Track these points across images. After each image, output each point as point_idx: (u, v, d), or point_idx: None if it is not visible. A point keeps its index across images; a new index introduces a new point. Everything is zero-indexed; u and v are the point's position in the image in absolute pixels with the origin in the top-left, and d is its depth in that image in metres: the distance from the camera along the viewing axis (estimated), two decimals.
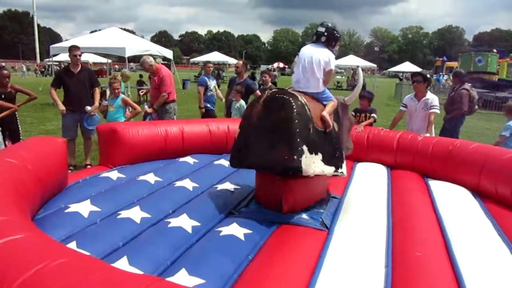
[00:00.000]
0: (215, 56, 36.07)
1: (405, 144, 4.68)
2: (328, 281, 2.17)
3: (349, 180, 4.14)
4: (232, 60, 35.66)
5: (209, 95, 6.85)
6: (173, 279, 2.09)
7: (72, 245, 2.35)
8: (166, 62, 18.42)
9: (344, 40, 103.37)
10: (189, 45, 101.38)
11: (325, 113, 3.15)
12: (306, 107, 2.97)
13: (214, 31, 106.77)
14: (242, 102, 6.11)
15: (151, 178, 3.72)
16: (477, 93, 6.42)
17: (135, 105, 5.56)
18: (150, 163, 4.31)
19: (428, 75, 5.90)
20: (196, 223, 2.81)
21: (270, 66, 51.62)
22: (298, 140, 2.84)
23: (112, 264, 2.03)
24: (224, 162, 4.44)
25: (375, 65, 33.33)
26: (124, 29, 24.47)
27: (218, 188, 3.63)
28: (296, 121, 2.85)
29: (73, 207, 2.87)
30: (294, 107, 2.88)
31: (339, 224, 2.99)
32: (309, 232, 2.85)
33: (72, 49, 5.41)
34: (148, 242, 2.50)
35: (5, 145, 4.89)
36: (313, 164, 2.93)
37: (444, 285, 2.18)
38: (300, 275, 2.25)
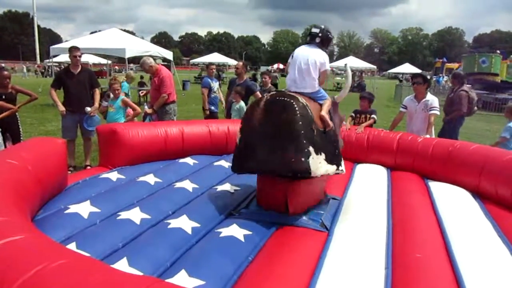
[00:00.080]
0: (215, 57, 36.07)
1: (405, 145, 4.68)
2: (328, 282, 2.17)
3: (349, 181, 4.14)
4: (232, 61, 35.68)
5: (212, 97, 6.86)
6: (173, 280, 2.09)
7: (72, 246, 2.35)
8: (166, 63, 18.43)
9: (344, 42, 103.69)
10: (189, 46, 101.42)
11: (324, 112, 3.16)
12: (308, 108, 2.97)
13: (214, 32, 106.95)
14: (242, 103, 6.11)
15: (151, 179, 3.72)
16: (476, 95, 6.43)
17: (135, 106, 5.56)
18: (150, 164, 4.31)
19: (428, 77, 5.90)
20: (196, 224, 2.81)
21: (270, 67, 51.65)
22: (304, 141, 2.83)
23: (112, 265, 2.02)
24: (224, 163, 4.44)
25: (375, 67, 33.26)
26: (124, 30, 24.53)
27: (218, 189, 3.62)
28: (300, 122, 2.84)
29: (73, 208, 2.87)
30: (297, 108, 2.87)
31: (339, 225, 2.99)
32: (309, 233, 2.84)
33: (72, 50, 5.41)
34: (148, 243, 2.49)
35: (5, 147, 4.89)
36: (319, 164, 2.93)
37: (444, 286, 2.18)
38: (300, 276, 2.25)
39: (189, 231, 2.72)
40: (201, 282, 2.10)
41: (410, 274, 2.26)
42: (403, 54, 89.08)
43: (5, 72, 5.16)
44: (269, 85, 7.11)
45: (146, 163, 4.31)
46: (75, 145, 5.60)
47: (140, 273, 2.12)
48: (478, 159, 3.86)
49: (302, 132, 2.83)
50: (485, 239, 2.78)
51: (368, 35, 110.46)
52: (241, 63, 6.83)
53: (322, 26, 3.37)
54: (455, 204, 3.48)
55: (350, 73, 3.92)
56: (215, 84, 6.94)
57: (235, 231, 2.71)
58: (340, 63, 31.35)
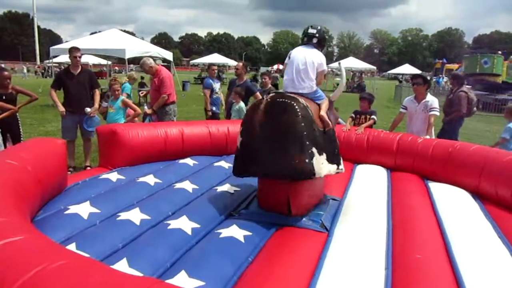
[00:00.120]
0: (215, 58, 36.06)
1: (405, 146, 4.68)
2: (328, 283, 2.17)
3: (349, 182, 4.14)
4: (232, 62, 35.69)
5: (214, 97, 6.85)
6: (172, 281, 2.09)
7: (72, 246, 2.34)
8: (166, 63, 18.43)
9: (344, 42, 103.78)
10: (189, 47, 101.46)
11: (323, 112, 3.16)
12: (308, 109, 2.97)
13: (214, 33, 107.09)
14: (242, 104, 6.11)
15: (150, 179, 3.72)
16: (475, 95, 6.43)
17: (135, 106, 5.56)
18: (149, 164, 4.30)
19: (428, 77, 5.90)
20: (196, 225, 2.81)
21: (270, 68, 51.66)
22: (307, 143, 2.83)
23: (112, 266, 2.02)
24: (224, 164, 4.44)
25: (374, 67, 33.26)
26: (124, 31, 24.50)
27: (218, 190, 3.62)
28: (302, 124, 2.84)
29: (73, 209, 2.86)
30: (298, 110, 2.87)
31: (339, 226, 2.99)
32: (309, 234, 2.84)
33: (72, 51, 5.42)
34: (148, 244, 2.49)
35: (5, 147, 4.88)
36: (322, 165, 2.93)
37: (444, 287, 2.17)
38: (300, 277, 2.25)
39: (189, 232, 2.71)
40: (201, 283, 2.09)
41: (410, 275, 2.26)
42: (403, 55, 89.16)
43: (6, 73, 5.15)
44: (269, 85, 7.11)
45: (146, 164, 4.30)
46: (75, 146, 5.60)
47: (140, 274, 2.12)
48: (478, 160, 3.86)
49: (305, 133, 2.83)
50: (485, 240, 2.77)
51: (368, 36, 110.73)
52: (241, 64, 6.82)
53: (319, 27, 3.38)
54: (455, 205, 3.48)
55: (344, 72, 3.94)
56: (216, 85, 6.94)
57: (235, 231, 2.71)
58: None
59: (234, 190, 3.61)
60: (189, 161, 4.46)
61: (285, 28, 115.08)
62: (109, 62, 28.67)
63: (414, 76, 5.68)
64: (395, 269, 2.35)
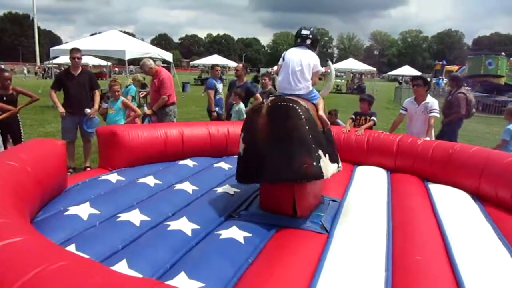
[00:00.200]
0: (215, 59, 36.07)
1: (405, 147, 4.68)
2: (328, 285, 2.17)
3: (349, 183, 4.13)
4: (232, 63, 35.71)
5: (217, 98, 6.83)
6: (172, 282, 2.08)
7: (71, 248, 2.34)
8: (166, 65, 18.46)
9: (344, 44, 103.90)
10: (189, 48, 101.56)
11: (321, 112, 3.17)
12: (310, 111, 2.97)
13: (214, 34, 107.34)
14: (242, 105, 6.12)
15: (150, 181, 3.71)
16: (474, 97, 6.43)
17: (135, 107, 5.57)
18: (149, 165, 4.30)
19: (428, 79, 5.90)
20: (196, 226, 2.81)
21: (270, 69, 51.69)
22: (314, 146, 2.82)
23: (112, 267, 2.01)
24: (224, 165, 4.44)
25: (374, 69, 33.24)
26: (124, 32, 24.49)
27: (218, 191, 3.61)
28: (307, 127, 2.83)
29: (73, 210, 2.86)
30: (301, 113, 2.85)
31: (339, 227, 2.98)
32: (309, 235, 2.84)
33: (73, 52, 5.42)
34: (148, 245, 2.49)
35: (5, 148, 4.88)
36: (328, 166, 2.93)
37: None
38: (300, 279, 2.24)
39: (189, 233, 2.71)
40: (201, 284, 2.09)
41: (410, 277, 2.25)
42: (403, 57, 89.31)
43: (6, 74, 5.16)
44: (270, 86, 7.10)
45: (146, 165, 4.30)
46: (74, 147, 5.59)
47: (140, 275, 2.11)
48: (478, 162, 3.86)
49: (310, 136, 2.81)
50: (485, 242, 2.77)
51: (368, 37, 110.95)
52: (241, 65, 6.83)
53: (311, 28, 3.43)
54: (455, 207, 3.48)
55: (333, 70, 4.01)
56: (219, 86, 6.93)
57: (235, 233, 2.71)
58: (339, 65, 31.39)
59: (234, 191, 3.60)
60: (189, 162, 4.46)
61: (285, 29, 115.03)
62: (109, 63, 28.72)
63: (414, 78, 5.68)
64: (395, 270, 2.35)
